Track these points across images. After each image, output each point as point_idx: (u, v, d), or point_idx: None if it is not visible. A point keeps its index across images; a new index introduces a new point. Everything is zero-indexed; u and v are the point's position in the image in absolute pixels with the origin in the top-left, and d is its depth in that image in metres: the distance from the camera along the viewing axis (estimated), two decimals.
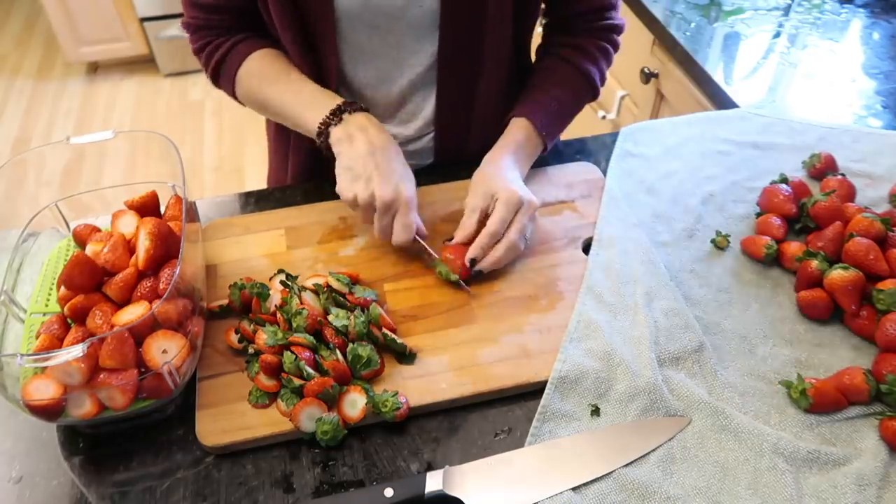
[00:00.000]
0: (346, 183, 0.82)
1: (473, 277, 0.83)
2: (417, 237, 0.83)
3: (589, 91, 0.97)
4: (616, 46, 0.98)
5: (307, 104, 0.87)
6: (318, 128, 0.85)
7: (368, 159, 0.81)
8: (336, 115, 0.85)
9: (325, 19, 0.86)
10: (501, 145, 0.92)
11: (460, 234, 0.84)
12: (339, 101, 0.86)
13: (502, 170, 0.87)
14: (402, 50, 0.91)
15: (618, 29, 0.97)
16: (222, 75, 0.93)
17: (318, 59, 0.90)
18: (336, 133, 0.84)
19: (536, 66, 1.00)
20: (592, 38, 0.96)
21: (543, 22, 1.01)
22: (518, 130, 0.92)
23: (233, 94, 0.95)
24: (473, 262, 0.82)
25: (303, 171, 1.05)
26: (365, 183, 0.80)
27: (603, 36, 0.97)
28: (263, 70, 0.91)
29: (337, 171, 0.83)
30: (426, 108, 0.98)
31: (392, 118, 0.98)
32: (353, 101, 0.87)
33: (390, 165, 0.82)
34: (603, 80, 0.98)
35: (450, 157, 1.02)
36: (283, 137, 1.05)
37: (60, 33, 2.99)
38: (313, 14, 0.86)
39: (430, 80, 0.94)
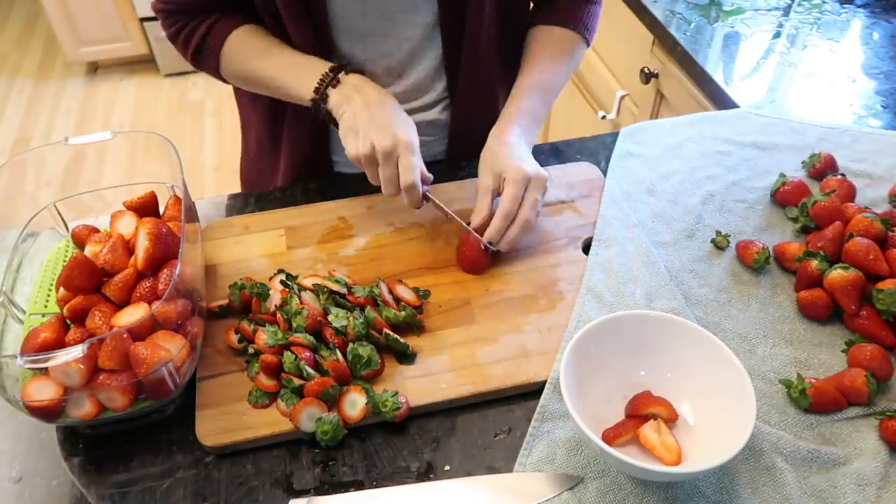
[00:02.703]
0: (350, 142, 0.83)
1: (492, 257, 0.85)
2: (425, 189, 0.84)
3: (584, 42, 1.00)
4: None
5: (298, 73, 0.88)
6: (314, 93, 0.86)
7: (364, 114, 0.83)
8: (330, 78, 0.86)
9: (319, 7, 0.87)
10: (505, 116, 0.92)
11: (477, 218, 0.85)
12: (329, 64, 0.87)
13: (508, 145, 0.87)
14: (396, 23, 0.91)
15: None
16: (204, 57, 0.93)
17: (318, 43, 0.90)
18: (334, 97, 0.86)
19: (528, 33, 1.00)
20: None
21: None
22: (520, 97, 0.93)
23: (217, 74, 0.95)
24: (490, 244, 0.83)
25: (295, 172, 1.04)
26: (364, 138, 0.82)
27: None
28: (248, 46, 0.91)
29: (341, 134, 0.85)
30: (431, 76, 0.97)
31: (399, 91, 0.97)
32: (344, 63, 0.88)
33: (386, 116, 0.83)
34: (593, 27, 1.01)
35: (465, 132, 1.02)
36: (274, 139, 1.05)
37: (60, 33, 2.99)
38: (311, 2, 0.86)
39: (429, 47, 0.94)
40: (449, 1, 0.89)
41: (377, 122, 0.82)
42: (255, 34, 0.92)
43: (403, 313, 0.77)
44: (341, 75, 0.86)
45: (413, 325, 0.78)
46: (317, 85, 0.86)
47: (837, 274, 0.76)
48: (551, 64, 0.96)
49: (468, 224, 0.85)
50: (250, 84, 0.95)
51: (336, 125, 0.86)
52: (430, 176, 0.86)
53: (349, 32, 0.90)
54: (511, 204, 0.82)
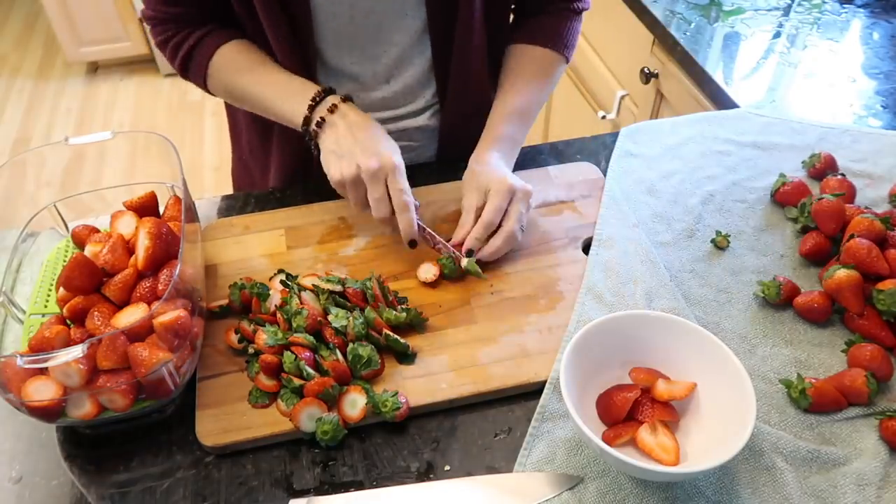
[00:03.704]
0: (333, 165, 0.82)
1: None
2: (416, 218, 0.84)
3: (562, 63, 0.99)
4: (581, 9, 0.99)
5: (286, 95, 0.87)
6: (305, 118, 0.85)
7: (348, 137, 0.82)
8: (316, 103, 0.85)
9: (302, 11, 0.86)
10: (485, 142, 0.92)
11: (459, 234, 0.85)
12: (315, 88, 0.86)
13: (490, 165, 0.88)
14: (382, 29, 0.90)
15: None
16: (191, 69, 0.92)
17: (299, 47, 0.89)
18: (321, 119, 0.85)
19: (508, 49, 0.99)
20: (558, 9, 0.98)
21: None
22: (499, 123, 0.93)
23: (204, 87, 0.94)
24: (471, 252, 0.82)
25: (286, 174, 1.04)
26: (349, 160, 0.81)
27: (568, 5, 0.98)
28: (236, 62, 0.90)
29: (322, 158, 0.84)
30: (420, 81, 0.97)
31: (387, 96, 0.97)
32: (330, 88, 0.87)
33: (371, 138, 0.82)
34: (573, 45, 0.99)
35: (455, 138, 1.01)
36: (264, 142, 1.04)
37: (60, 33, 2.99)
38: (292, 6, 0.86)
39: (418, 53, 0.94)
40: (438, 6, 0.88)
41: (362, 145, 0.81)
42: (244, 50, 0.91)
43: (405, 314, 0.77)
44: (330, 97, 0.85)
45: (417, 325, 0.78)
46: (306, 111, 0.85)
47: (844, 273, 0.76)
48: (530, 86, 0.95)
49: (454, 246, 0.84)
50: (237, 100, 0.94)
51: (317, 147, 0.86)
52: (418, 202, 0.85)
53: (336, 38, 0.90)
54: (493, 215, 0.82)
